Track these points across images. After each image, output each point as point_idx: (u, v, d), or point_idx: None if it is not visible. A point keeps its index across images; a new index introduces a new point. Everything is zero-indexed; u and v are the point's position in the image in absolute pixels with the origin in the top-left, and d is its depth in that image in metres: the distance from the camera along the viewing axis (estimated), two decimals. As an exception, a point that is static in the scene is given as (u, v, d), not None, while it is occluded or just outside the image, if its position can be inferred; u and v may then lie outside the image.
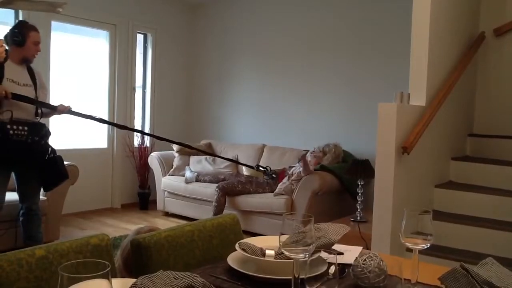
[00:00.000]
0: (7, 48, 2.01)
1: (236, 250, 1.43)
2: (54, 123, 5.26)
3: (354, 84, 5.17)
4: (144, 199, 5.89)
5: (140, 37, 6.18)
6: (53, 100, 5.23)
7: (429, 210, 1.33)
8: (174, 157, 5.68)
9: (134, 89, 6.05)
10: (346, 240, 1.65)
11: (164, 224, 5.17)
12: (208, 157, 5.59)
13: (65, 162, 4.21)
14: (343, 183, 4.60)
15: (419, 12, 3.30)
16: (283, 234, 1.22)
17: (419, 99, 3.32)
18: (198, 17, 6.59)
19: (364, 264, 1.31)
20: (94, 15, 5.48)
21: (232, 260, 1.40)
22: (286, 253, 1.20)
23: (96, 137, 5.76)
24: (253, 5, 6.01)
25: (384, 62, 4.94)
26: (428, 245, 1.29)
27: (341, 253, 1.51)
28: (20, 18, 4.86)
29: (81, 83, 5.59)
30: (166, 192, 5.50)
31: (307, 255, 1.18)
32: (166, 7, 6.33)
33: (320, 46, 5.42)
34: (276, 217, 4.52)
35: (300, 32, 5.59)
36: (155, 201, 5.68)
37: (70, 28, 5.39)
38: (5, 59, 1.98)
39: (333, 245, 1.44)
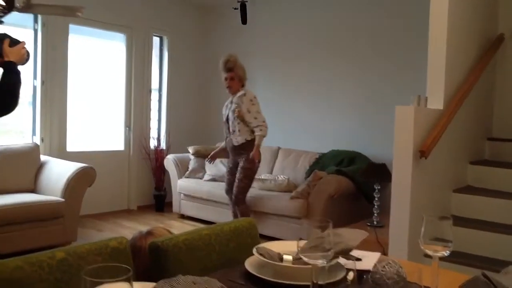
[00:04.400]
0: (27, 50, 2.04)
1: (253, 254, 1.42)
2: (72, 126, 5.34)
3: (370, 87, 5.14)
4: (160, 201, 5.93)
5: (156, 40, 6.23)
6: (71, 102, 5.31)
7: (448, 216, 1.31)
8: (190, 159, 5.70)
9: (150, 91, 6.10)
10: (363, 245, 1.63)
11: (179, 226, 5.20)
12: (223, 160, 5.59)
13: (83, 164, 4.30)
14: (359, 187, 4.57)
15: (437, 14, 3.27)
16: (302, 239, 1.21)
17: (436, 102, 3.29)
18: (213, 20, 6.62)
19: (383, 270, 1.29)
20: (111, 18, 5.54)
21: (250, 264, 1.40)
22: (305, 258, 1.19)
23: (113, 140, 5.81)
24: (267, 8, 6.02)
25: (400, 65, 4.90)
26: (448, 252, 1.27)
27: (359, 259, 1.50)
28: (39, 22, 4.95)
29: (98, 85, 5.66)
30: (182, 194, 5.52)
31: (326, 261, 1.17)
32: (181, 10, 6.37)
33: (335, 48, 5.40)
34: (291, 220, 4.51)
35: (314, 35, 5.58)
36: (171, 203, 5.71)
37: (88, 30, 5.46)
38: (27, 60, 2.01)
39: (351, 250, 1.43)
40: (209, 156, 4.66)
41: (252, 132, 4.22)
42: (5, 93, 1.88)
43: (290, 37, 5.82)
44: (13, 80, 1.91)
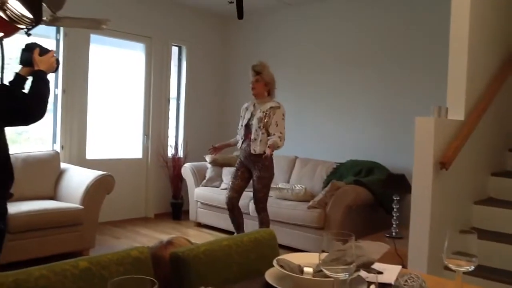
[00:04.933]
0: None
1: (273, 266, 1.42)
2: (92, 134, 5.41)
3: (389, 97, 5.11)
4: (177, 209, 5.96)
5: (175, 50, 6.30)
6: (91, 111, 5.39)
7: (473, 231, 1.29)
8: (207, 168, 5.72)
9: (168, 100, 6.15)
10: (381, 256, 1.62)
11: (196, 234, 5.21)
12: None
13: (102, 172, 4.34)
14: (377, 198, 4.52)
15: (458, 23, 3.24)
16: (324, 251, 1.20)
17: (457, 113, 3.25)
18: (232, 30, 6.67)
19: (405, 284, 1.28)
20: (131, 28, 5.62)
21: (270, 276, 1.40)
22: (326, 272, 1.18)
23: (131, 148, 5.87)
24: (285, 19, 6.04)
25: (420, 74, 4.86)
26: (473, 267, 1.25)
27: (381, 272, 1.48)
28: (61, 32, 5.04)
29: (118, 94, 5.73)
30: (198, 202, 5.54)
31: (348, 274, 1.16)
32: (200, 20, 6.43)
33: (354, 59, 5.39)
34: (307, 229, 4.48)
35: (333, 45, 5.58)
36: (187, 212, 5.73)
37: (108, 40, 5.55)
38: (56, 69, 2.06)
39: (372, 264, 1.42)
40: (215, 147, 4.52)
41: None
42: (34, 102, 1.92)
43: (308, 46, 5.82)
44: (42, 89, 1.95)
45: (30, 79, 2.00)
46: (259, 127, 4.10)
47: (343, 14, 5.50)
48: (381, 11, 5.18)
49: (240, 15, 4.25)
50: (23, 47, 2.00)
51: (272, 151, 3.96)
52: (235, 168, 4.36)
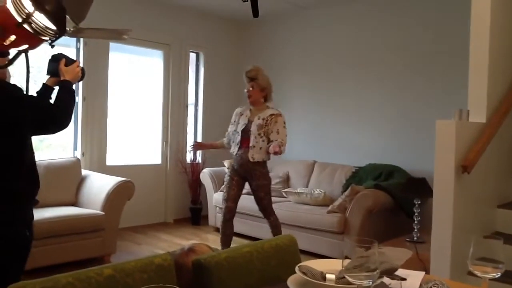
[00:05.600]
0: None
1: (295, 272, 1.42)
2: (112, 140, 5.48)
3: (408, 100, 5.06)
4: (196, 214, 5.99)
5: (192, 56, 6.35)
6: (111, 118, 5.46)
7: (499, 237, 1.27)
8: (226, 173, 5.72)
9: (186, 106, 6.20)
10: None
11: (215, 239, 5.21)
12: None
13: (122, 178, 4.39)
14: (398, 202, 4.47)
15: (478, 25, 3.20)
16: (347, 258, 1.20)
17: (479, 115, 3.20)
18: (248, 35, 6.69)
19: (430, 291, 1.26)
20: (149, 36, 5.69)
21: (292, 283, 1.40)
22: (349, 278, 1.18)
23: (150, 154, 5.93)
24: (302, 23, 6.04)
25: (440, 77, 4.81)
26: (499, 274, 1.23)
27: (404, 279, 1.46)
28: (81, 41, 5.13)
29: (137, 101, 5.80)
30: (217, 207, 5.55)
31: (371, 281, 1.15)
32: (217, 26, 6.47)
33: (372, 62, 5.36)
34: (326, 234, 4.46)
35: (351, 49, 5.55)
36: (206, 217, 5.75)
37: (127, 48, 5.62)
38: (82, 78, 2.13)
39: (396, 270, 1.41)
40: (196, 144, 4.46)
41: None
42: (60, 111, 1.98)
43: (325, 50, 5.81)
44: (67, 99, 2.01)
45: (56, 88, 2.06)
46: (259, 134, 3.95)
47: (359, 17, 5.48)
48: (399, 14, 5.15)
49: (256, 13, 4.13)
50: (50, 57, 2.06)
51: (279, 149, 3.78)
52: (228, 177, 4.17)
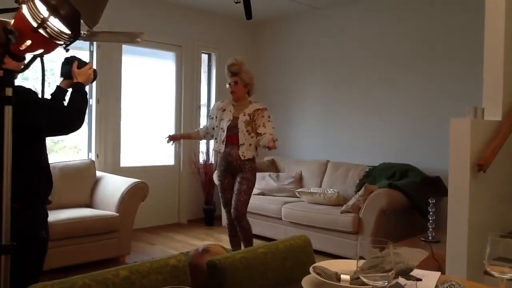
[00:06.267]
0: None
1: (309, 273, 1.41)
2: (125, 142, 5.53)
3: (422, 99, 5.02)
4: (209, 215, 6.01)
5: (204, 57, 6.37)
6: (124, 119, 5.51)
7: (516, 236, 1.25)
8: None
9: (199, 107, 6.22)
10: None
11: (228, 240, 5.22)
12: (272, 173, 5.62)
13: (136, 180, 4.42)
14: (412, 201, 4.44)
15: (493, 22, 3.16)
16: (362, 258, 1.19)
17: (494, 113, 3.16)
18: (261, 35, 6.69)
19: (446, 292, 1.25)
20: (161, 38, 5.72)
21: (307, 283, 1.39)
22: (364, 279, 1.17)
23: (163, 155, 5.96)
24: (315, 23, 6.02)
25: (453, 74, 4.76)
26: (518, 274, 1.22)
27: (420, 279, 1.45)
28: (94, 44, 5.18)
29: (149, 102, 5.84)
30: (230, 208, 5.56)
31: (386, 282, 1.15)
32: (229, 26, 6.49)
33: (385, 60, 5.32)
34: (340, 234, 4.45)
35: (363, 48, 5.52)
36: (220, 217, 5.76)
37: (140, 50, 5.66)
38: (94, 80, 2.17)
39: (411, 271, 1.39)
40: (170, 136, 4.30)
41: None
42: (73, 113, 2.02)
43: (339, 50, 5.79)
44: (80, 100, 2.05)
45: (70, 90, 2.11)
46: (247, 131, 3.84)
47: (372, 16, 5.44)
48: (412, 11, 5.11)
49: (249, 15, 4.06)
50: (63, 60, 2.09)
51: (274, 143, 3.63)
52: (218, 181, 4.08)
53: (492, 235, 1.26)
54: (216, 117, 4.04)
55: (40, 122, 1.87)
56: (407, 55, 5.13)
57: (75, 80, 2.09)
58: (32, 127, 1.87)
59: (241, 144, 3.84)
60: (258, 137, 3.83)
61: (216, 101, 6.36)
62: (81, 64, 2.11)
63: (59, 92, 2.11)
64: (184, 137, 4.71)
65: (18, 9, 1.33)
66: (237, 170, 3.90)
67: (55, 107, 2.02)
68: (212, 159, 6.22)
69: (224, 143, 3.90)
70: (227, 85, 3.99)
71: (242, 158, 3.84)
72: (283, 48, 6.40)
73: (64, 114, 2.01)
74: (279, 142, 3.92)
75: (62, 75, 2.13)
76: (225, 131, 3.89)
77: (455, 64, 4.74)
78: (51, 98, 2.09)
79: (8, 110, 1.41)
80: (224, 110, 3.98)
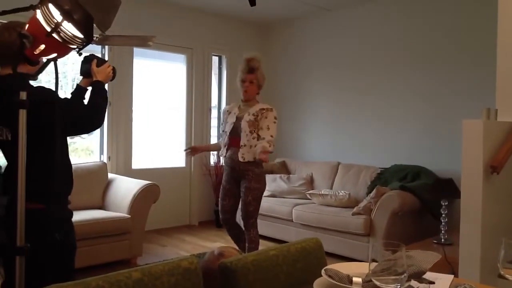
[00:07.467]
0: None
1: (321, 275, 1.41)
2: (137, 144, 5.56)
3: (434, 100, 4.98)
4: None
5: (215, 59, 6.39)
6: (136, 122, 5.54)
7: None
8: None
9: (210, 109, 6.24)
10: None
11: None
12: (282, 175, 5.61)
13: (148, 182, 4.45)
14: (424, 203, 4.40)
15: (506, 20, 3.12)
16: (374, 261, 1.19)
17: (507, 114, 3.12)
18: (271, 37, 6.70)
19: (460, 295, 1.24)
20: (172, 41, 5.75)
21: (318, 286, 1.39)
22: (376, 282, 1.17)
23: (175, 157, 5.99)
24: (326, 25, 6.02)
25: (466, 74, 4.72)
26: (533, 277, 1.20)
27: (432, 282, 1.44)
28: (106, 47, 5.22)
29: (161, 105, 5.88)
30: (241, 210, 5.57)
31: (399, 285, 1.14)
32: (239, 29, 6.50)
33: (396, 60, 5.30)
34: (351, 236, 4.43)
35: (374, 50, 5.50)
36: (231, 219, 5.77)
37: (151, 53, 5.70)
38: (113, 78, 2.19)
39: (424, 274, 1.38)
40: (194, 147, 4.14)
41: None
42: (93, 111, 2.04)
43: (349, 51, 5.77)
44: (99, 99, 2.07)
45: (90, 89, 2.13)
46: (250, 132, 3.58)
47: (383, 17, 5.42)
48: (423, 10, 5.08)
49: (253, 2, 3.97)
50: (82, 59, 2.12)
51: (266, 156, 3.39)
52: (222, 186, 3.84)
53: (507, 238, 1.25)
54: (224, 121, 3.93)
55: (56, 122, 1.89)
56: (418, 55, 5.10)
57: (94, 79, 2.11)
58: (48, 127, 1.88)
59: (242, 146, 3.59)
60: (259, 139, 3.57)
61: (226, 103, 6.40)
62: (100, 62, 2.14)
63: (79, 90, 2.14)
64: (204, 149, 4.44)
65: (28, 9, 1.35)
66: (240, 176, 3.66)
67: (75, 106, 2.05)
68: (222, 161, 6.23)
69: (226, 146, 3.71)
70: (239, 83, 3.76)
71: (242, 160, 3.57)
72: (293, 50, 6.40)
73: (84, 112, 2.03)
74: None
75: (81, 73, 2.15)
76: (228, 133, 3.71)
77: (467, 64, 4.70)
78: (71, 97, 2.11)
79: (23, 114, 1.43)
80: (230, 113, 3.81)
